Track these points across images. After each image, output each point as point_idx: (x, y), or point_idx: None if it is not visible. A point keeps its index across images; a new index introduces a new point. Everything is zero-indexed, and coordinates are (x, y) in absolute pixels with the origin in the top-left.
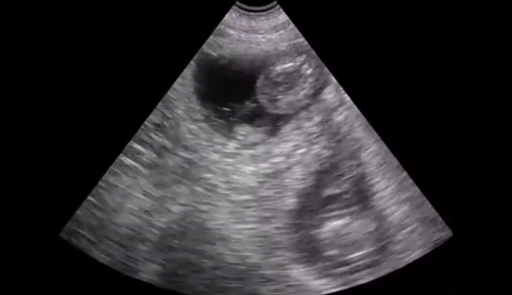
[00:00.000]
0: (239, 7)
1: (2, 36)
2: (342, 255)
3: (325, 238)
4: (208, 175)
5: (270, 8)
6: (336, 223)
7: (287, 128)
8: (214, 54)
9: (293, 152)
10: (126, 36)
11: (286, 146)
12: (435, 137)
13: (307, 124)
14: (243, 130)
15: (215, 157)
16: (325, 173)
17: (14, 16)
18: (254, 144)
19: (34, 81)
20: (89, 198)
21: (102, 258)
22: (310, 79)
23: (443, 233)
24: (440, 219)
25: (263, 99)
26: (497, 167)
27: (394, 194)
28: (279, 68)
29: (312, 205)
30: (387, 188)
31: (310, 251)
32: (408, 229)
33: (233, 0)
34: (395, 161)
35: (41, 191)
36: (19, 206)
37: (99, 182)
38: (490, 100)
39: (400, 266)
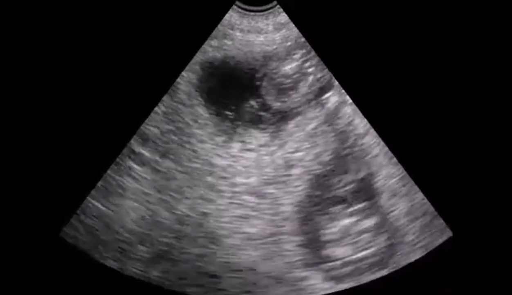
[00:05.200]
0: (239, 7)
1: (2, 36)
2: (344, 256)
3: (329, 239)
4: (211, 178)
5: (270, 8)
6: (339, 223)
7: (291, 129)
8: (216, 55)
9: (298, 153)
10: (126, 37)
11: (291, 147)
12: (435, 138)
13: (310, 125)
14: (247, 132)
15: (218, 159)
16: (329, 174)
17: (14, 16)
18: (258, 146)
19: (34, 81)
20: (89, 198)
21: (102, 258)
22: (313, 80)
23: (443, 233)
24: (440, 219)
25: (266, 100)
26: (497, 167)
27: (393, 194)
28: (281, 68)
29: (317, 206)
30: (387, 188)
31: (313, 251)
32: (408, 229)
33: (233, 0)
34: (395, 161)
35: (41, 191)
36: (19, 206)
37: (99, 182)
38: (490, 101)
39: (400, 266)
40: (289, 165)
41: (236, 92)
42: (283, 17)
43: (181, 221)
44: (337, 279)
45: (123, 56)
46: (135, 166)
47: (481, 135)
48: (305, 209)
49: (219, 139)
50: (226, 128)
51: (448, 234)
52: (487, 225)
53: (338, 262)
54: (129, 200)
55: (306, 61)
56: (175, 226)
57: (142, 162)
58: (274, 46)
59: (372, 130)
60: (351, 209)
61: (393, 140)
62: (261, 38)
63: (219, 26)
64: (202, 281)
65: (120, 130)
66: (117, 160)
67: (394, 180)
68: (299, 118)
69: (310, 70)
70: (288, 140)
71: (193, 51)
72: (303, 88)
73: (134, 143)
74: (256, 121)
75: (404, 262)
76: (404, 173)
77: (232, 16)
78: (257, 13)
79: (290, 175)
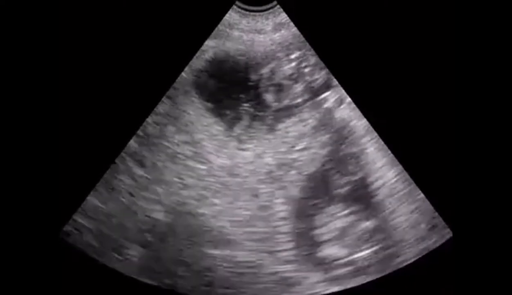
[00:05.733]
0: (239, 7)
1: (2, 36)
2: (343, 256)
3: (326, 238)
4: (210, 177)
5: (270, 8)
6: (337, 224)
7: (288, 128)
8: (216, 55)
9: (295, 153)
10: (126, 37)
11: (288, 147)
12: (435, 137)
13: (308, 124)
14: (244, 131)
15: (216, 158)
16: (327, 174)
17: (14, 16)
18: (255, 145)
19: (34, 81)
20: (89, 198)
21: (102, 258)
22: (311, 79)
23: (443, 233)
24: (440, 219)
25: (264, 99)
26: (497, 167)
27: (393, 194)
28: (279, 68)
29: (314, 205)
30: (386, 188)
31: (311, 251)
32: (408, 229)
33: (233, 0)
34: (395, 161)
35: (41, 191)
36: (19, 206)
37: (99, 182)
38: (490, 100)
39: (400, 267)
40: (286, 165)
41: (234, 91)
42: (283, 17)
43: (180, 221)
44: (335, 279)
45: (123, 56)
46: (134, 166)
47: (481, 136)
48: (302, 209)
49: (216, 138)
50: (224, 128)
51: (448, 234)
52: (487, 225)
53: (336, 263)
54: (129, 200)
55: (304, 61)
56: (174, 226)
57: (142, 162)
58: (274, 46)
59: (371, 130)
60: (350, 210)
61: (393, 140)
62: (261, 38)
63: (218, 26)
64: (200, 280)
65: (120, 131)
66: (117, 160)
67: (394, 180)
68: (296, 117)
69: (308, 70)
70: (285, 140)
71: (193, 51)
72: (301, 88)
73: (134, 144)
74: (253, 121)
75: (404, 262)
76: (404, 173)
77: (232, 16)
78: (257, 13)
79: (286, 175)
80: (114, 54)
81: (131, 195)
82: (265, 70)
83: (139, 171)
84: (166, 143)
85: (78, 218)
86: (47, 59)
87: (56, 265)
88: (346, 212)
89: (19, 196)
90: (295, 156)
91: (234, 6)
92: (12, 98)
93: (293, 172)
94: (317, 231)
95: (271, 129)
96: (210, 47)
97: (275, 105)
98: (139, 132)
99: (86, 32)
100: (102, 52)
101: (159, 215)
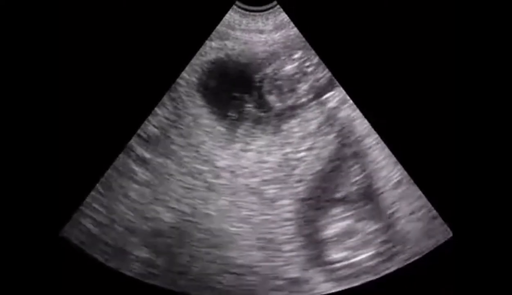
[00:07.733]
0: (239, 7)
1: (2, 36)
2: (346, 257)
3: (330, 240)
4: (212, 178)
5: (270, 8)
6: (341, 225)
7: (291, 129)
8: (217, 55)
9: (298, 153)
10: (126, 37)
11: (291, 147)
12: (435, 137)
13: (311, 125)
14: (248, 132)
15: (219, 159)
16: (330, 175)
17: (14, 16)
18: (259, 146)
19: (34, 81)
20: (89, 198)
21: (102, 258)
22: (313, 80)
23: (443, 233)
24: (440, 219)
25: (267, 100)
26: (497, 167)
27: (393, 195)
28: (281, 68)
29: (318, 206)
30: (387, 189)
31: (315, 252)
32: (408, 229)
33: (233, 0)
34: (395, 161)
35: (41, 191)
36: (19, 206)
37: (99, 182)
38: (490, 100)
39: (400, 266)
40: (290, 165)
41: (237, 92)
42: (283, 17)
43: (181, 222)
44: (338, 279)
45: (123, 56)
46: (135, 167)
47: (481, 136)
48: (305, 210)
49: (220, 139)
50: (227, 129)
51: (448, 234)
52: (487, 225)
53: (339, 263)
54: (129, 200)
55: (306, 61)
56: (176, 226)
57: (142, 162)
58: (275, 46)
59: (372, 131)
60: (351, 210)
61: (393, 140)
62: (262, 38)
63: (219, 26)
64: (202, 282)
65: (120, 131)
66: (117, 160)
67: (395, 180)
68: (300, 118)
69: (310, 70)
70: (289, 140)
71: (193, 51)
72: (304, 88)
73: (134, 144)
74: (257, 122)
75: (404, 262)
76: (405, 173)
77: (232, 16)
78: (257, 13)
79: (291, 175)
80: (114, 54)
81: (131, 195)
82: (267, 71)
83: (139, 171)
84: (167, 144)
85: (78, 217)
86: (48, 59)
87: (56, 265)
88: (349, 212)
89: (19, 195)
90: (299, 156)
91: (234, 6)
92: (12, 99)
93: (297, 172)
94: (320, 232)
95: (276, 130)
96: (211, 47)
97: (279, 105)
98: (141, 133)
99: (86, 32)
100: (102, 52)
101: (161, 216)
